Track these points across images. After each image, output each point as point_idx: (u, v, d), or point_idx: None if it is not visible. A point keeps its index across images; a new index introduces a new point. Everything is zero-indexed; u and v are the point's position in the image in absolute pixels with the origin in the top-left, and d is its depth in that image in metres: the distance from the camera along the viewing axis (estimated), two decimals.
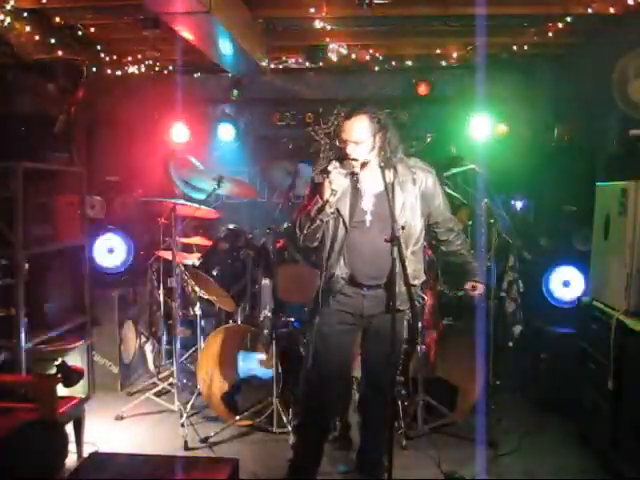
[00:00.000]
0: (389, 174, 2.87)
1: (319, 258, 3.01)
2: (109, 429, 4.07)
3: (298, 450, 3.24)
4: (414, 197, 2.93)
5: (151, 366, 4.85)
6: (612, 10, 4.22)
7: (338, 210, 2.88)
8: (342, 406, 3.79)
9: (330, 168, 2.91)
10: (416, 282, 2.99)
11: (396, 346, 3.01)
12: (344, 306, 2.98)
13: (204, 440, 3.85)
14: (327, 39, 5.03)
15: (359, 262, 2.92)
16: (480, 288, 3.22)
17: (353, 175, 2.90)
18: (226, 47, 4.39)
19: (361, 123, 2.83)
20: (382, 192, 2.86)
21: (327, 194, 2.79)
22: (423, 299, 3.36)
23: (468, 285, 3.22)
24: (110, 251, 4.96)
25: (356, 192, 2.92)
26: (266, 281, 4.04)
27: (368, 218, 2.90)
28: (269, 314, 3.97)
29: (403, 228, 2.82)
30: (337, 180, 2.80)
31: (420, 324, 3.89)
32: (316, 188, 2.91)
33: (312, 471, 3.15)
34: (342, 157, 2.90)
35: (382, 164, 2.85)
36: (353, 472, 3.39)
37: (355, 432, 3.63)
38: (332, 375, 3.05)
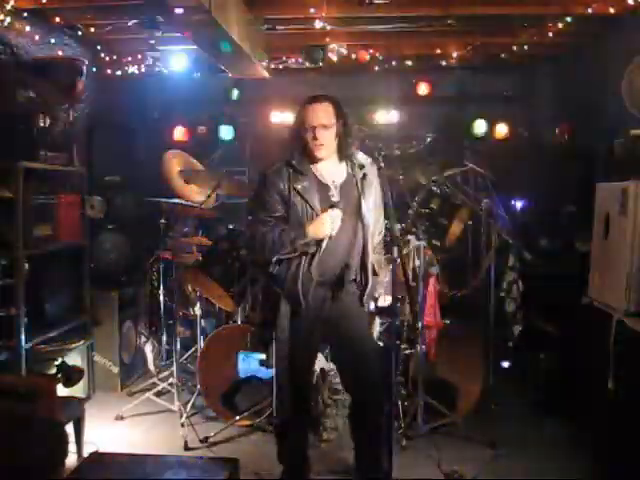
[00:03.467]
0: (348, 165, 2.90)
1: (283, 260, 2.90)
2: (109, 429, 4.07)
3: (284, 455, 3.21)
4: (376, 183, 2.93)
5: (151, 366, 4.85)
6: (612, 10, 4.22)
7: (308, 203, 2.83)
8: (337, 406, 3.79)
9: (294, 162, 2.86)
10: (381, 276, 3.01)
11: (365, 345, 3.01)
12: (307, 311, 2.90)
13: (204, 440, 3.84)
14: (327, 39, 5.03)
15: (328, 258, 2.86)
16: (384, 299, 3.16)
17: (315, 161, 2.88)
18: (226, 47, 4.39)
19: (328, 107, 2.85)
20: (345, 182, 2.89)
21: (322, 235, 2.77)
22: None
23: (380, 299, 3.17)
24: (110, 251, 4.95)
25: (321, 184, 2.88)
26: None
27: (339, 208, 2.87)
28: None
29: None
30: (337, 223, 2.76)
31: (420, 324, 3.89)
32: (266, 186, 2.87)
33: (304, 468, 3.16)
34: (306, 148, 2.86)
35: (342, 152, 2.88)
36: (349, 473, 3.38)
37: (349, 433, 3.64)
38: (299, 381, 3.05)
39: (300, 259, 2.84)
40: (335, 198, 2.85)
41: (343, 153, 2.90)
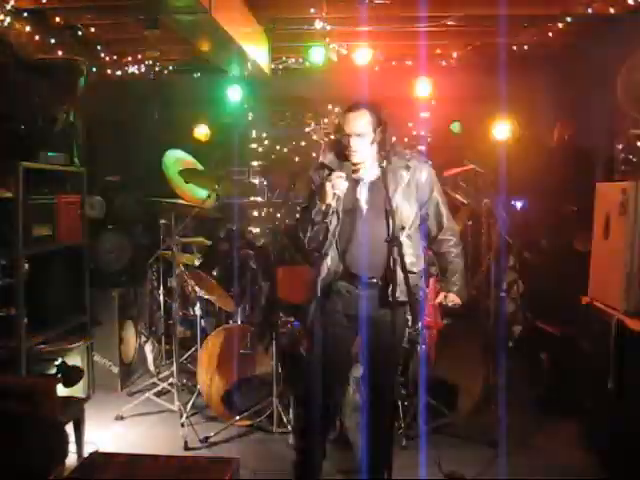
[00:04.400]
0: (384, 165, 2.89)
1: (316, 255, 2.99)
2: (109, 429, 4.07)
3: (300, 450, 3.20)
4: (405, 183, 2.92)
5: (151, 366, 4.85)
6: (612, 10, 4.23)
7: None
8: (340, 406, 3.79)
9: (326, 162, 2.94)
10: (415, 269, 2.96)
11: (397, 343, 3.03)
12: (337, 306, 2.95)
13: (204, 440, 3.84)
14: (327, 39, 5.03)
15: (353, 254, 2.90)
16: (451, 298, 3.11)
17: (352, 169, 2.92)
18: (226, 47, 4.39)
19: (364, 116, 2.87)
20: (376, 181, 2.91)
21: (329, 198, 2.80)
22: (426, 291, 3.34)
23: (441, 294, 3.15)
24: (110, 251, 4.95)
25: (352, 181, 2.92)
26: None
27: (364, 207, 2.91)
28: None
29: (403, 228, 2.83)
30: (339, 183, 2.80)
31: (420, 323, 3.89)
32: (316, 188, 2.93)
33: (316, 470, 3.15)
34: (343, 151, 2.92)
35: (378, 157, 2.89)
36: (354, 472, 3.39)
37: (354, 434, 3.62)
38: (330, 376, 3.04)
39: (328, 250, 2.90)
40: (362, 196, 2.90)
41: (381, 156, 2.91)
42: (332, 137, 3.04)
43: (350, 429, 3.70)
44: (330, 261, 2.92)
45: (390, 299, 2.83)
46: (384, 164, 2.88)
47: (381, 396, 3.02)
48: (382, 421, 3.02)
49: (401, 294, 2.81)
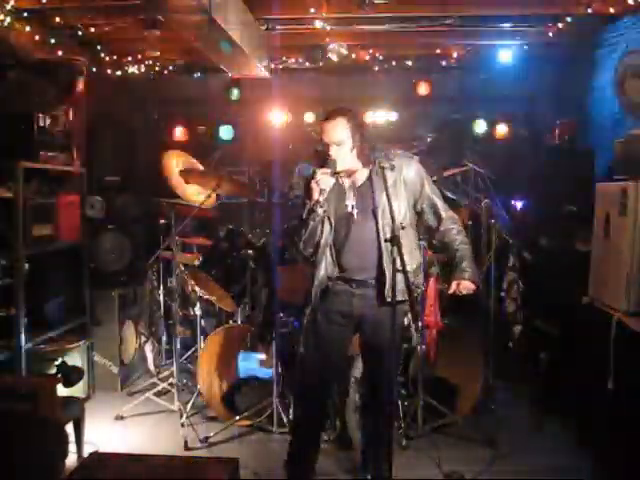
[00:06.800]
0: (369, 169, 2.94)
1: (312, 261, 3.02)
2: (109, 429, 4.07)
3: (294, 450, 3.21)
4: (391, 182, 2.91)
5: (151, 366, 4.85)
6: (612, 10, 4.23)
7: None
8: (339, 405, 3.79)
9: (317, 170, 2.94)
10: (409, 268, 2.86)
11: (396, 342, 3.06)
12: (334, 305, 2.99)
13: (204, 440, 3.85)
14: (327, 39, 5.03)
15: (348, 257, 2.95)
16: (465, 286, 3.02)
17: (335, 173, 2.93)
18: (226, 47, 4.39)
19: (340, 125, 2.88)
20: (363, 185, 2.96)
21: (316, 194, 2.84)
22: (422, 288, 3.32)
23: (454, 283, 3.06)
24: (110, 251, 4.95)
25: (339, 188, 2.97)
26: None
27: (355, 211, 2.94)
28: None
29: (403, 228, 2.84)
30: (324, 180, 2.84)
31: (420, 323, 3.89)
32: (302, 191, 2.99)
33: (309, 470, 3.16)
34: (325, 159, 2.92)
35: (361, 161, 2.92)
36: (356, 472, 3.39)
37: (354, 432, 3.63)
38: (324, 375, 3.08)
39: (323, 255, 2.94)
40: (350, 201, 2.94)
41: (364, 161, 2.94)
42: (317, 149, 3.04)
43: (351, 429, 3.70)
44: (325, 266, 2.95)
45: (388, 299, 2.86)
46: (369, 167, 2.92)
47: (380, 395, 3.03)
48: (381, 421, 3.03)
49: (398, 293, 2.81)
